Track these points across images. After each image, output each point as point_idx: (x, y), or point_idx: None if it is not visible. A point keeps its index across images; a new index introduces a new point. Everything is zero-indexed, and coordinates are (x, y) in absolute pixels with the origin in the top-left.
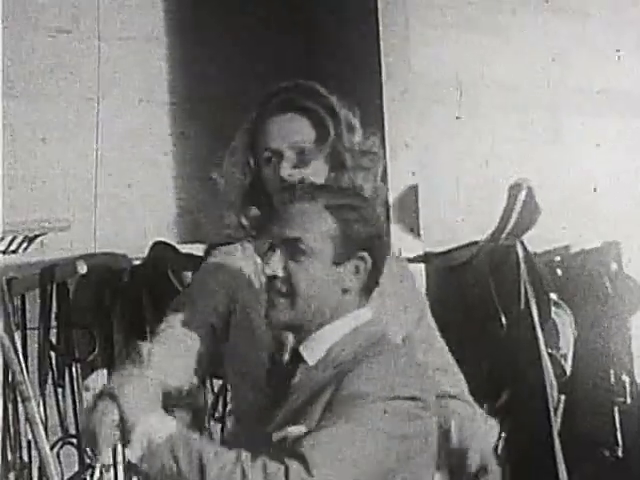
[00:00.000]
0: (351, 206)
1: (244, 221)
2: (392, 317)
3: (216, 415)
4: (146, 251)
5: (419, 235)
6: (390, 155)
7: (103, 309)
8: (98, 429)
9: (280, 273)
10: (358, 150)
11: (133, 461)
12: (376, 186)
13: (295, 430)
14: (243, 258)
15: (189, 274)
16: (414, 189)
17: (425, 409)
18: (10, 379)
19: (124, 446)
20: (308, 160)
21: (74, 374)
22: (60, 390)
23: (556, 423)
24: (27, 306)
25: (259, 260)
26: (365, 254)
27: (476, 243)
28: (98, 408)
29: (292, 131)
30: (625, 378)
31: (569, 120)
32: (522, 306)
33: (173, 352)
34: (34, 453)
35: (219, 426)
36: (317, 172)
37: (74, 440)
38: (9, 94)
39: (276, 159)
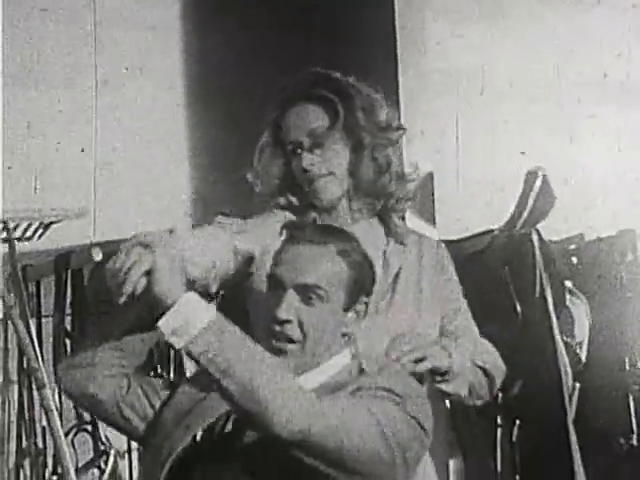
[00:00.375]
0: (358, 251)
1: (283, 202)
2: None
3: None
4: None
5: (434, 223)
6: (406, 143)
7: None
8: (129, 267)
9: (290, 317)
10: (378, 127)
11: (176, 344)
12: (413, 164)
13: None
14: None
15: None
16: (430, 176)
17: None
18: (25, 366)
19: (156, 320)
20: (320, 143)
21: None
22: None
23: (571, 411)
24: (42, 293)
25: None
26: (367, 299)
27: (491, 231)
28: (133, 252)
29: (308, 120)
30: None
31: (584, 109)
32: (537, 294)
33: (202, 245)
34: (49, 440)
35: None
36: (337, 155)
37: (89, 427)
38: (22, 81)
39: (298, 150)
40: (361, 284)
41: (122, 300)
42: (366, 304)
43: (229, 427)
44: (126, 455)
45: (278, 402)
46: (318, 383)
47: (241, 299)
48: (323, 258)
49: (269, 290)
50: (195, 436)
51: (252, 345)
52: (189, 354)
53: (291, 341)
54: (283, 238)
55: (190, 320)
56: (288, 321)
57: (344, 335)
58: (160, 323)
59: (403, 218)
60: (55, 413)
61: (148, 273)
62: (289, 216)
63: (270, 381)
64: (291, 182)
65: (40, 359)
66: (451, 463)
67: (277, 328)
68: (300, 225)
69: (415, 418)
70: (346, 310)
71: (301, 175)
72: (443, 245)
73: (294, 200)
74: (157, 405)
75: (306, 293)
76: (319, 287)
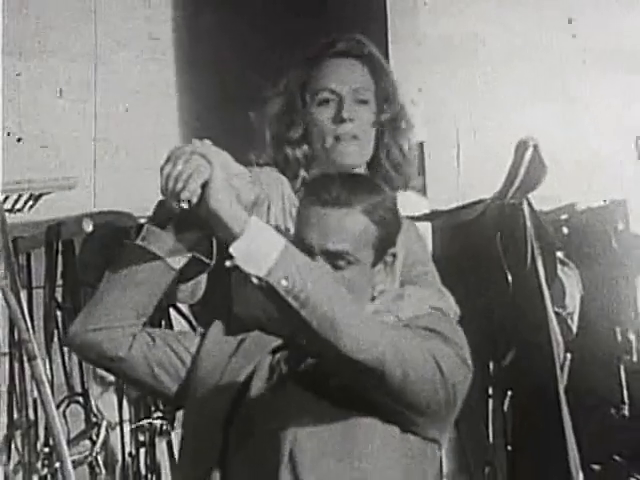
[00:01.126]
0: (384, 205)
1: (299, 154)
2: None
3: None
4: (151, 210)
5: (425, 193)
6: None
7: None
8: (189, 175)
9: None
10: (402, 107)
11: (254, 272)
12: (418, 143)
13: None
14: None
15: None
16: (420, 146)
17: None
18: (16, 338)
19: (227, 247)
20: (364, 101)
21: None
22: (66, 349)
23: (562, 381)
24: (33, 264)
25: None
26: (395, 249)
27: (482, 201)
28: (192, 160)
29: (352, 76)
30: (631, 336)
31: (579, 79)
32: (528, 264)
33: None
34: (40, 412)
35: None
36: (369, 121)
37: (80, 398)
38: (11, 52)
39: (334, 101)
40: (388, 238)
41: (178, 206)
42: (393, 255)
43: (284, 368)
44: (117, 427)
45: (356, 331)
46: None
47: None
48: (350, 221)
49: None
50: (245, 384)
51: (322, 271)
52: (264, 285)
53: None
54: (304, 196)
55: (263, 247)
56: None
57: (375, 290)
58: (233, 248)
59: None
60: (46, 385)
61: (204, 186)
62: (281, 177)
63: (347, 309)
64: (302, 133)
65: (31, 330)
66: None
67: None
68: (325, 184)
69: (463, 359)
70: (374, 265)
71: (328, 128)
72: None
73: (301, 153)
74: (188, 361)
75: (334, 259)
76: (348, 253)
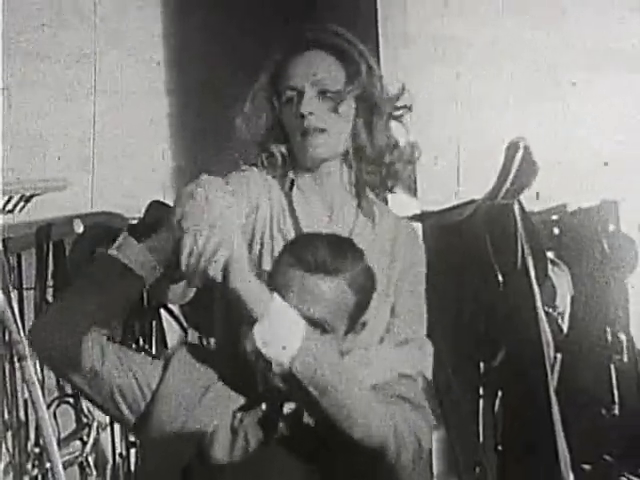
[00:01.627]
0: (365, 273)
1: (278, 154)
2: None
3: None
4: (142, 211)
5: (416, 194)
6: None
7: None
8: (212, 251)
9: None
10: (388, 98)
11: (276, 359)
12: (410, 142)
13: None
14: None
15: None
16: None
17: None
18: (7, 338)
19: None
20: (336, 103)
21: None
22: None
23: (553, 381)
24: (23, 265)
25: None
26: (365, 319)
27: (473, 202)
28: (215, 234)
29: (316, 68)
30: (622, 336)
31: (571, 77)
32: (519, 265)
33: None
34: (31, 412)
35: None
36: (343, 114)
37: (71, 399)
38: (5, 52)
39: (297, 97)
40: (363, 307)
41: (199, 284)
42: (363, 324)
43: (256, 432)
44: (108, 427)
45: (367, 418)
46: None
47: None
48: (333, 291)
49: None
50: (209, 441)
51: (337, 354)
52: (286, 373)
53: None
54: (286, 254)
55: (285, 331)
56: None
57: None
58: (255, 332)
59: (384, 197)
60: (37, 385)
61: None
62: (269, 179)
63: (360, 396)
64: (279, 133)
65: (22, 331)
66: (434, 433)
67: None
68: (311, 248)
69: (429, 421)
70: (346, 334)
71: (294, 124)
72: (415, 229)
73: (280, 151)
74: (148, 396)
75: (311, 326)
76: (326, 322)
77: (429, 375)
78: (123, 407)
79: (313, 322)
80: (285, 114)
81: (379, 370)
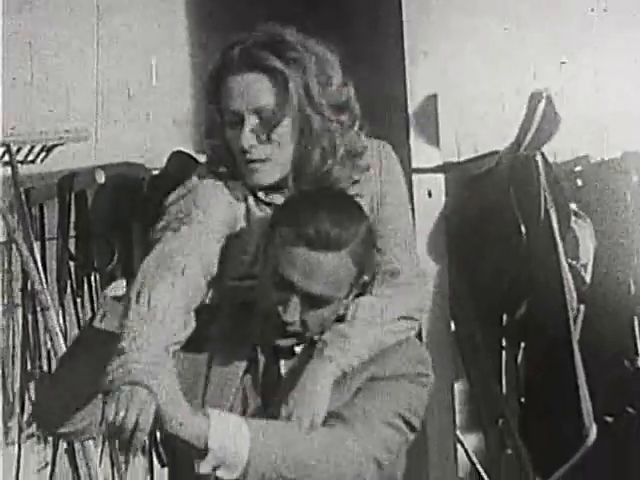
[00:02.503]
0: (366, 239)
1: (224, 172)
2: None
3: None
4: (164, 161)
5: (438, 145)
6: (409, 64)
7: (122, 219)
8: (135, 416)
9: (297, 320)
10: (332, 105)
11: (226, 477)
12: (352, 144)
13: None
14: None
15: None
16: (433, 98)
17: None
18: (29, 289)
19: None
20: (270, 127)
21: (93, 284)
22: (79, 300)
23: (575, 333)
24: (46, 216)
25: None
26: (366, 278)
27: (496, 153)
28: (135, 395)
29: (253, 93)
30: None
31: (595, 31)
32: (542, 216)
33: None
34: (54, 363)
35: None
36: (281, 140)
37: None
38: (30, 4)
39: (238, 124)
40: (365, 268)
41: (135, 456)
42: (364, 283)
43: None
44: None
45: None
46: None
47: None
48: (336, 265)
49: (275, 283)
50: None
51: (285, 437)
52: None
53: (291, 334)
54: (286, 226)
55: (230, 450)
56: (292, 323)
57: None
58: (202, 469)
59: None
60: (59, 336)
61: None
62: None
63: (321, 466)
64: (224, 151)
65: (44, 282)
66: (456, 385)
67: (280, 324)
68: (313, 221)
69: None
70: (346, 298)
71: (238, 151)
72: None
73: (225, 173)
74: None
75: (313, 300)
76: (329, 296)
77: (422, 307)
78: None
79: (315, 296)
80: (229, 135)
81: (383, 331)
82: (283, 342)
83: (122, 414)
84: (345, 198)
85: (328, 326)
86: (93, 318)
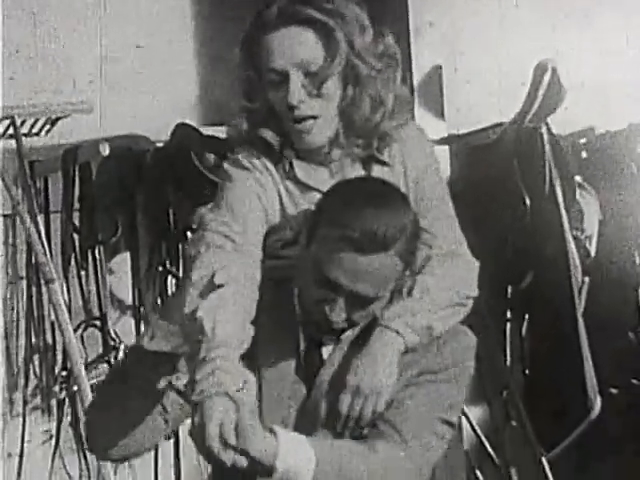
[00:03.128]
0: (412, 233)
1: (269, 136)
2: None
3: None
4: (169, 133)
5: (443, 116)
6: (414, 35)
7: (126, 191)
8: (218, 424)
9: (343, 319)
10: (373, 54)
11: None
12: (397, 94)
13: None
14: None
15: (212, 156)
16: (438, 69)
17: None
18: (33, 261)
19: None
20: (319, 83)
21: (97, 256)
22: (83, 272)
23: (580, 305)
24: (50, 189)
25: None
26: (412, 269)
27: (501, 125)
28: (217, 403)
29: (297, 48)
30: None
31: (600, 1)
32: (547, 188)
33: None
34: (58, 335)
35: None
36: (329, 94)
37: (98, 322)
38: None
39: (283, 82)
40: (411, 263)
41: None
42: (411, 273)
43: None
44: None
45: None
46: None
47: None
48: (385, 266)
49: (319, 282)
50: None
51: (346, 459)
52: None
53: (338, 332)
54: (335, 228)
55: (295, 475)
56: (338, 322)
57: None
58: None
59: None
60: (64, 308)
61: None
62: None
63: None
64: (268, 115)
65: (48, 254)
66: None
67: (325, 322)
68: (362, 225)
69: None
70: (392, 292)
71: (284, 111)
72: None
73: (275, 138)
74: None
75: (360, 299)
76: (376, 295)
77: (473, 292)
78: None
79: (362, 297)
80: (272, 96)
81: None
82: (326, 337)
83: (212, 425)
84: (389, 188)
85: (378, 313)
86: (140, 339)
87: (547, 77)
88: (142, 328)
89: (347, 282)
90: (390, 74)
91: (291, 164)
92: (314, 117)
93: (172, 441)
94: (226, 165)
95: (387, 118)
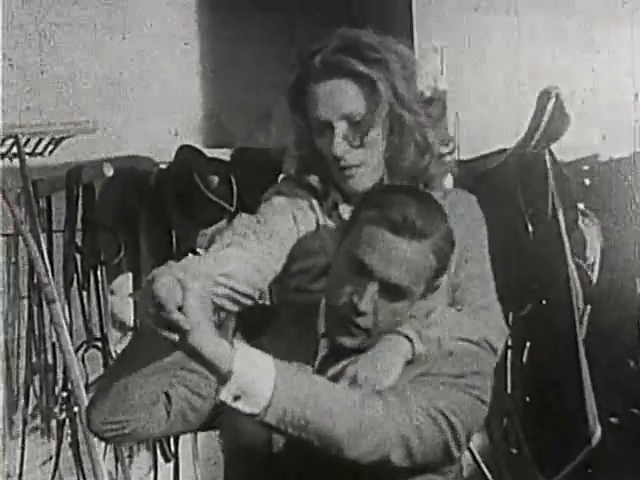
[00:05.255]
0: (447, 237)
1: (315, 184)
2: None
3: None
4: (172, 155)
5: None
6: (418, 59)
7: (129, 212)
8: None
9: (370, 309)
10: (418, 100)
11: (247, 411)
12: (445, 138)
13: None
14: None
15: (215, 178)
16: (443, 94)
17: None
18: (35, 281)
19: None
20: (363, 132)
21: (99, 277)
22: (85, 293)
23: (581, 332)
24: (53, 208)
25: (323, 220)
26: (440, 281)
27: (504, 151)
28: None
29: (340, 100)
30: None
31: (603, 26)
32: (549, 215)
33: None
34: (59, 356)
35: None
36: (374, 143)
37: (99, 343)
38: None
39: (328, 131)
40: (442, 271)
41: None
42: (437, 287)
43: None
44: None
45: (360, 439)
46: None
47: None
48: (418, 257)
49: (351, 271)
50: None
51: (314, 381)
52: (261, 421)
53: (361, 328)
54: (370, 208)
55: (254, 382)
56: (365, 313)
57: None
58: (222, 396)
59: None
60: (65, 329)
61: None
62: (305, 197)
63: (348, 420)
64: (314, 159)
65: (50, 274)
66: None
67: (352, 316)
68: (400, 208)
69: (482, 400)
70: (421, 297)
71: (330, 157)
72: (475, 200)
73: (316, 181)
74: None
75: (390, 290)
76: (407, 287)
77: (496, 343)
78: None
79: (393, 286)
80: (319, 143)
81: (437, 332)
82: (349, 341)
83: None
84: (431, 197)
85: (397, 327)
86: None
87: (551, 104)
88: None
89: (379, 264)
90: (437, 119)
91: (336, 204)
92: (359, 165)
93: (172, 464)
94: (266, 194)
95: (433, 163)
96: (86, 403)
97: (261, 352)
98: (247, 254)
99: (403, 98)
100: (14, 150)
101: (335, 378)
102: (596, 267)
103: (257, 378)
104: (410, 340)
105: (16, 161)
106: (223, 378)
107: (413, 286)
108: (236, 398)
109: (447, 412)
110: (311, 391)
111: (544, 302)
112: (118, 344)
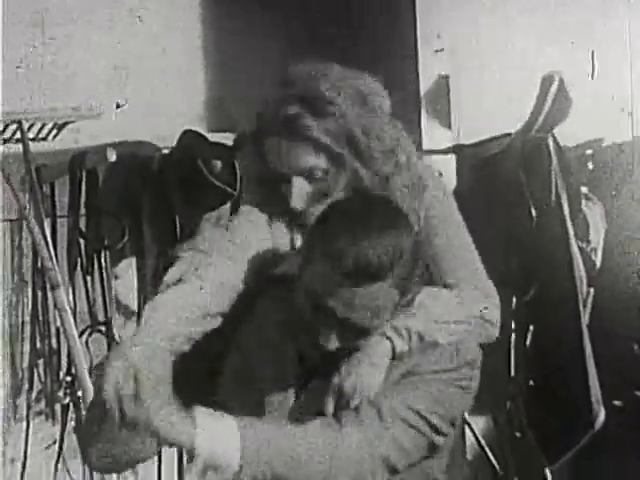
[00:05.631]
0: (414, 258)
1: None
2: None
3: None
4: (175, 140)
5: (449, 126)
6: (421, 45)
7: (132, 197)
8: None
9: (334, 347)
10: (382, 153)
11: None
12: (400, 163)
13: None
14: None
15: (218, 163)
16: (445, 79)
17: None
18: (39, 266)
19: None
20: (322, 194)
21: (103, 262)
22: (89, 278)
23: (585, 316)
24: (56, 193)
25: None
26: (410, 296)
27: (508, 135)
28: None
29: (294, 158)
30: None
31: (607, 13)
32: (553, 199)
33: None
34: (63, 340)
35: None
36: (334, 185)
37: (103, 327)
38: None
39: (284, 184)
40: (407, 293)
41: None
42: (409, 301)
43: None
44: None
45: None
46: None
47: None
48: (377, 296)
49: (313, 312)
50: None
51: (281, 434)
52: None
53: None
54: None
55: (219, 456)
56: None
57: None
58: (193, 472)
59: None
60: (69, 313)
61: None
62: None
63: (319, 466)
64: (274, 191)
65: (54, 259)
66: None
67: (318, 345)
68: (354, 261)
69: (466, 387)
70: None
71: (286, 205)
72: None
73: (276, 211)
74: None
75: (354, 329)
76: (368, 325)
77: (488, 315)
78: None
79: (349, 326)
80: (282, 188)
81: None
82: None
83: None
84: (387, 207)
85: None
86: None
87: (553, 89)
88: None
89: (343, 310)
90: (401, 164)
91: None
92: (315, 204)
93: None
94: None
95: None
96: (91, 388)
97: (222, 415)
98: (205, 283)
99: (362, 155)
100: (17, 135)
101: (320, 394)
102: (599, 251)
103: (222, 451)
104: (389, 339)
105: (19, 146)
106: (190, 454)
107: (376, 322)
108: (206, 470)
109: (427, 414)
110: (280, 446)
111: (548, 286)
112: (122, 328)
